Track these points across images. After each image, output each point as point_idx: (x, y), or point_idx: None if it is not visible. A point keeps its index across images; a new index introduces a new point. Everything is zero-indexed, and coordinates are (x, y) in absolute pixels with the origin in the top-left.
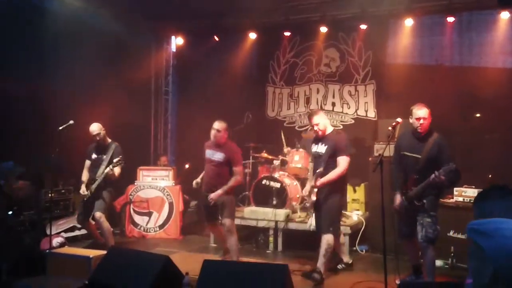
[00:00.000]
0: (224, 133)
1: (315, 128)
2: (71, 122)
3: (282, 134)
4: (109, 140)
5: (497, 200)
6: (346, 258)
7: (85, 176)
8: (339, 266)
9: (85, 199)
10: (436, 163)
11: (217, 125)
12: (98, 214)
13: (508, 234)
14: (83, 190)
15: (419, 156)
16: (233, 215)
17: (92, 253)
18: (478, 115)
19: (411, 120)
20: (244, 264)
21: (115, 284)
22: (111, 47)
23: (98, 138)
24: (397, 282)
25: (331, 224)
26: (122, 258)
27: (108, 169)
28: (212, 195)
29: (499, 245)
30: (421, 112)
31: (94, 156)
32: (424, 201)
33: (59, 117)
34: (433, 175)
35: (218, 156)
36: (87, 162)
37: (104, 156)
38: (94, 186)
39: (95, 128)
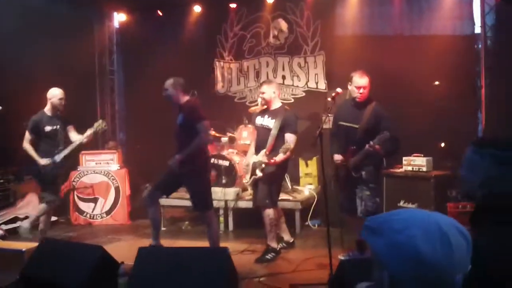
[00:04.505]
0: (173, 90)
1: (260, 95)
2: None
3: (244, 119)
4: None
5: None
6: (287, 237)
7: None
8: (280, 245)
9: (45, 171)
10: (374, 133)
11: (165, 84)
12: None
13: (398, 227)
14: (45, 161)
15: (357, 126)
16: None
17: (25, 246)
18: (437, 83)
19: (350, 87)
20: (181, 249)
21: (48, 278)
22: (49, 26)
23: (64, 103)
24: (340, 257)
25: (266, 197)
26: (54, 251)
27: (83, 137)
28: (171, 162)
29: (389, 243)
30: (361, 81)
31: (48, 128)
32: (363, 172)
33: None
34: (367, 145)
35: (179, 119)
36: (29, 136)
37: (58, 126)
38: (62, 154)
39: (59, 91)
